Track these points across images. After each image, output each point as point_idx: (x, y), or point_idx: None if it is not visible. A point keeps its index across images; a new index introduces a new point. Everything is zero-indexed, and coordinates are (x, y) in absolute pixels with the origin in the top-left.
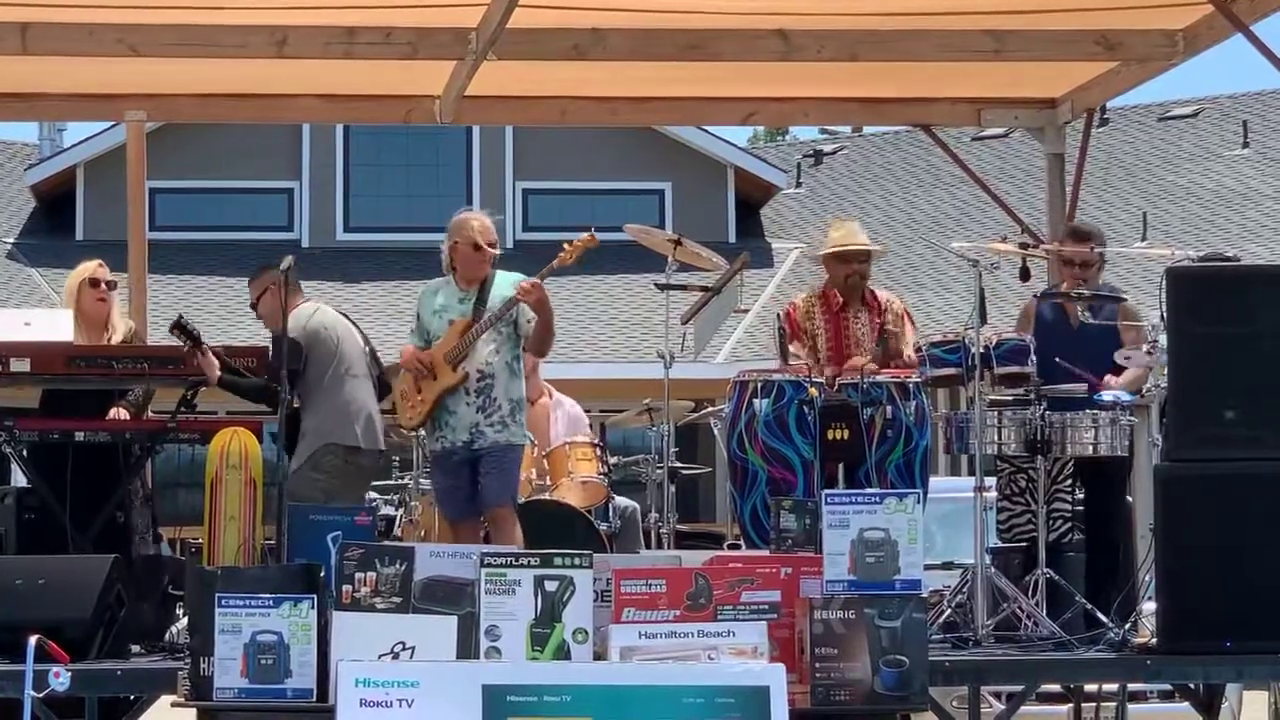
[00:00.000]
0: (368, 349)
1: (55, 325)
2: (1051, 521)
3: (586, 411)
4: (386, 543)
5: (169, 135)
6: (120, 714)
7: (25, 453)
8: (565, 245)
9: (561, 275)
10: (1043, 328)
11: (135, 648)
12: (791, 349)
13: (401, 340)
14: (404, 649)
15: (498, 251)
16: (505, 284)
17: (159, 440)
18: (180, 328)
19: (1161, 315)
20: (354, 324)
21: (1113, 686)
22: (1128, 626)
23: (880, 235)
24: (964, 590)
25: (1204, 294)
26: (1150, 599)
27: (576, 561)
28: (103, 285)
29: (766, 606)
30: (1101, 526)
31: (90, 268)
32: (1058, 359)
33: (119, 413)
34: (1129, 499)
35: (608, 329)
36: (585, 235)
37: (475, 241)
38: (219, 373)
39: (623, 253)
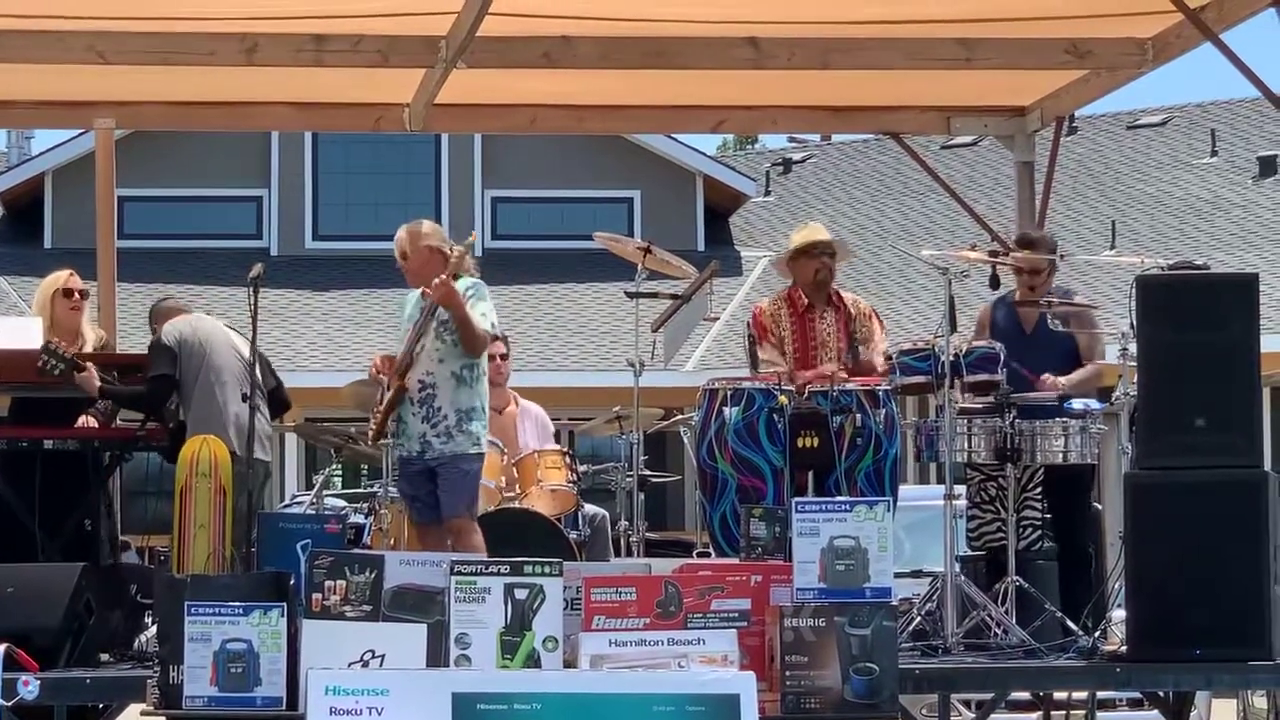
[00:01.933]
0: (251, 358)
1: (24, 333)
2: (1021, 529)
3: (555, 420)
4: (356, 550)
5: (138, 143)
6: None
7: None
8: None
9: (532, 283)
10: (997, 334)
11: (104, 656)
12: (761, 353)
13: (371, 348)
14: (374, 657)
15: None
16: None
17: (128, 449)
18: (50, 353)
19: (1131, 323)
20: (243, 336)
21: (1082, 694)
22: (1097, 634)
23: (849, 243)
24: (934, 598)
25: (1174, 302)
26: (1120, 607)
27: (546, 569)
28: (76, 295)
29: (736, 614)
30: (1068, 534)
31: (62, 278)
32: (1013, 365)
33: (88, 421)
34: (1098, 506)
35: (577, 337)
36: (470, 239)
37: (395, 258)
38: (98, 383)
39: (592, 261)
